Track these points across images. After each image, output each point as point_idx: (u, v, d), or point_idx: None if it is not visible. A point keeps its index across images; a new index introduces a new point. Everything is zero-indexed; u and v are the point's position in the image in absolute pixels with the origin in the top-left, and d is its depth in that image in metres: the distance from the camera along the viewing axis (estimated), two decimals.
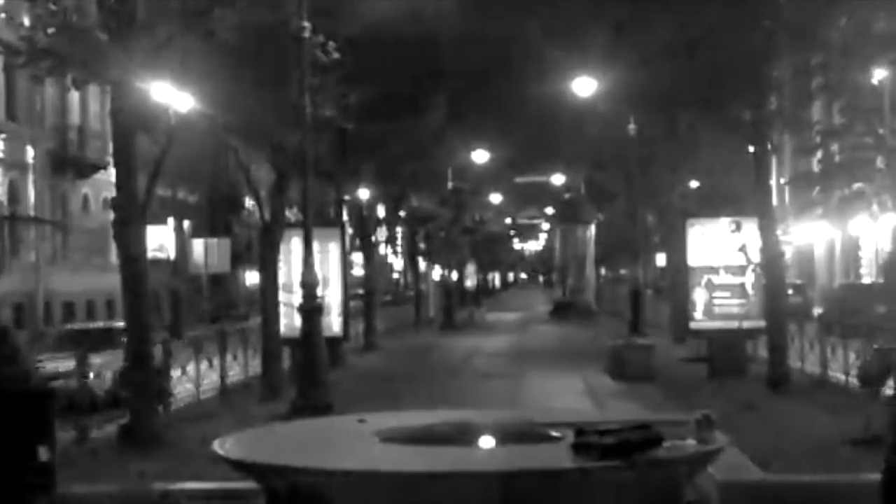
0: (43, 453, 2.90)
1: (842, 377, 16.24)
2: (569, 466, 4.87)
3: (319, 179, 22.25)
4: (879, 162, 30.12)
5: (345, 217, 27.33)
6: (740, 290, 19.45)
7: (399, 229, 53.73)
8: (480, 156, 38.65)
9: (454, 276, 47.74)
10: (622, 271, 55.41)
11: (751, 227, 18.77)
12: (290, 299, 17.66)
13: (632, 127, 24.13)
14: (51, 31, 12.40)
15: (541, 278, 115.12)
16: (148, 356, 12.71)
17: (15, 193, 34.85)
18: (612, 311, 43.84)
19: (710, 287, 19.54)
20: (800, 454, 10.39)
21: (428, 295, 45.69)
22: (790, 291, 28.40)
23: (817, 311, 32.56)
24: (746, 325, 19.09)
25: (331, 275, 19.39)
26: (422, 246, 44.53)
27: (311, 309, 14.93)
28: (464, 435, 5.89)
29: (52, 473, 2.93)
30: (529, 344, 30.53)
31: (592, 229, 50.96)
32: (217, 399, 16.71)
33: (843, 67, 19.02)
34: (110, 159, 15.98)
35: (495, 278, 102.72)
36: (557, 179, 51.69)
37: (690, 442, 5.19)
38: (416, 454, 5.59)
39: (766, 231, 17.95)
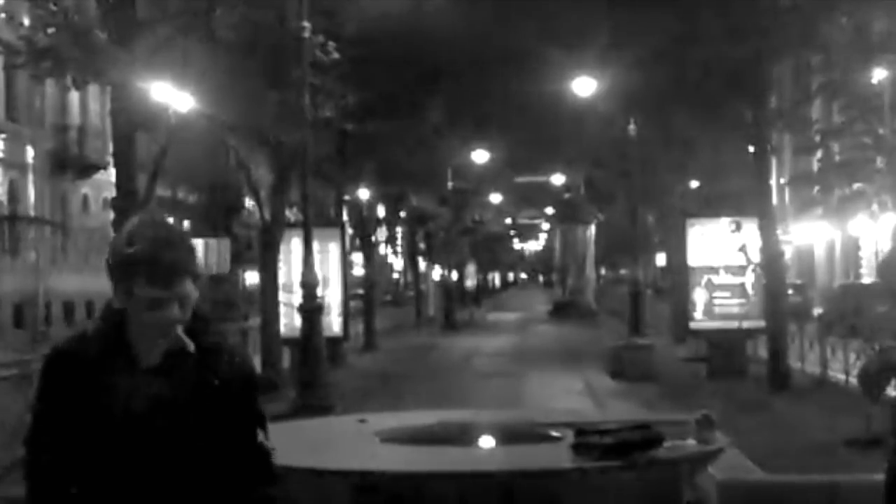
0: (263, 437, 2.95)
1: (842, 377, 16.24)
2: (569, 466, 4.87)
3: (319, 179, 22.25)
4: (879, 162, 30.11)
5: (345, 217, 27.32)
6: (740, 290, 19.45)
7: (399, 229, 53.75)
8: (480, 156, 38.64)
9: (454, 276, 47.75)
10: (622, 271, 55.48)
11: (751, 227, 18.77)
12: (290, 299, 17.66)
13: (631, 127, 24.12)
14: (51, 31, 12.41)
15: (541, 278, 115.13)
16: None
17: (15, 193, 34.87)
18: (612, 311, 43.84)
19: (710, 287, 19.54)
20: (800, 454, 10.40)
21: (428, 295, 45.69)
22: (790, 291, 28.39)
23: (817, 311, 32.55)
24: (746, 325, 19.09)
25: (331, 275, 19.39)
26: (422, 246, 44.52)
27: (311, 309, 14.93)
28: (464, 435, 5.88)
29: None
30: (529, 344, 30.53)
31: (592, 229, 50.98)
32: None
33: (844, 67, 19.02)
34: (110, 159, 15.98)
35: (495, 278, 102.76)
36: (557, 179, 51.70)
37: (690, 442, 5.19)
38: (416, 454, 5.59)
39: (766, 231, 17.96)
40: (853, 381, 14.50)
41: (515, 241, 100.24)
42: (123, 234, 2.73)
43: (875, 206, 33.20)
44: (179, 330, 2.72)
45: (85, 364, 2.68)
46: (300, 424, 8.05)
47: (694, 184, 32.91)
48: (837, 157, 33.42)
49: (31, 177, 35.64)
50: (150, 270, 2.67)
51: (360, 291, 30.71)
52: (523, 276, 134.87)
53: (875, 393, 4.26)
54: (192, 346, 2.72)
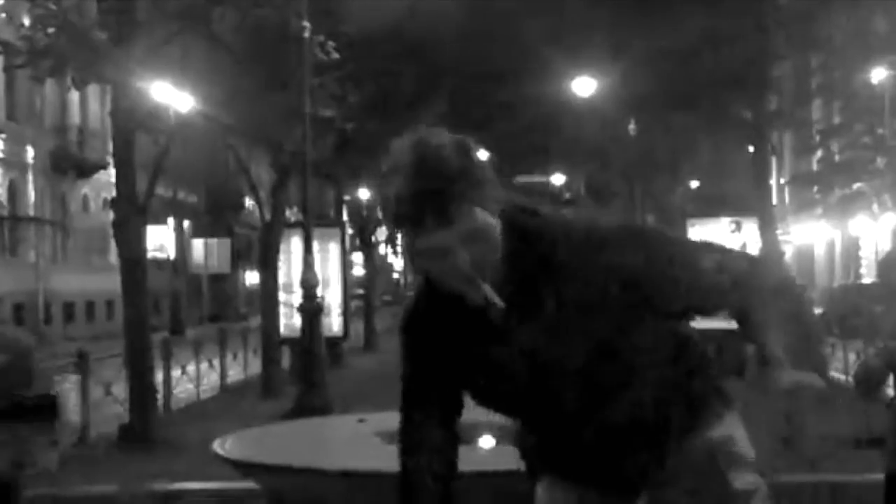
0: None
1: (842, 377, 16.24)
2: None
3: (319, 179, 22.27)
4: (879, 162, 30.14)
5: (345, 217, 27.32)
6: None
7: None
8: (480, 156, 38.66)
9: None
10: None
11: (751, 227, 18.77)
12: (290, 299, 17.66)
13: (631, 127, 24.12)
14: (51, 31, 12.41)
15: None
16: (147, 356, 12.70)
17: (15, 193, 34.88)
18: None
19: None
20: (800, 454, 10.38)
21: None
22: None
23: (817, 311, 32.55)
24: None
25: (331, 275, 19.39)
26: None
27: (311, 309, 14.93)
28: (464, 435, 5.88)
29: None
30: None
31: None
32: (217, 399, 16.71)
33: (844, 67, 19.04)
34: (110, 159, 15.98)
35: None
36: (557, 179, 51.73)
37: None
38: None
39: (766, 231, 17.97)
40: (853, 381, 14.46)
41: None
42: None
43: (875, 206, 33.24)
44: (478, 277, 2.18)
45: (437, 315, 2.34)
46: (300, 424, 8.06)
47: (694, 184, 32.94)
48: (837, 157, 33.45)
49: (31, 177, 35.65)
50: (395, 213, 2.16)
51: (360, 291, 30.70)
52: None
53: (872, 391, 4.26)
54: (499, 303, 2.21)
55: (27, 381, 2.31)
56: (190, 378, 16.42)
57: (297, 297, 15.65)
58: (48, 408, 2.31)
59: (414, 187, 2.14)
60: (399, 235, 2.21)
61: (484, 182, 2.21)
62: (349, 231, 27.60)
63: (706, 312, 2.39)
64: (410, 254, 2.15)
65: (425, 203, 2.11)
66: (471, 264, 2.13)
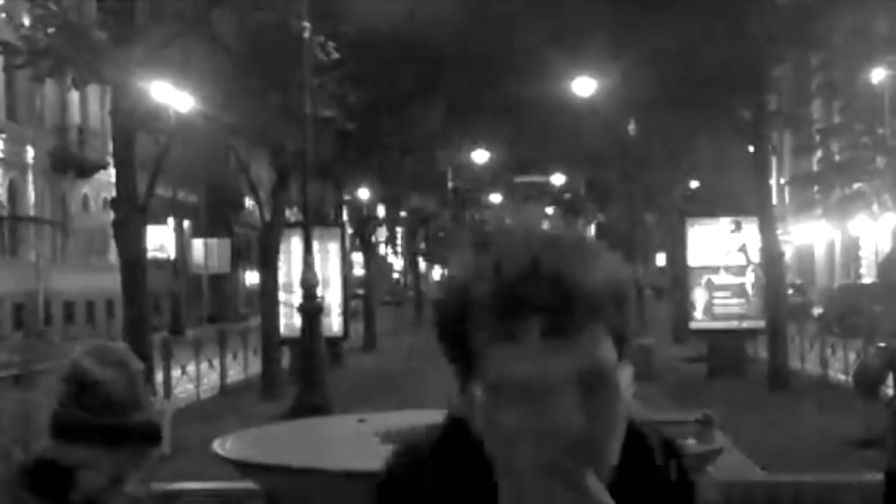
0: None
1: (842, 377, 16.25)
2: None
3: (319, 179, 22.26)
4: (879, 162, 30.13)
5: (345, 217, 27.31)
6: (740, 290, 19.45)
7: (399, 229, 53.78)
8: (480, 156, 38.66)
9: None
10: None
11: (751, 227, 18.77)
12: (290, 299, 17.67)
13: (632, 127, 24.10)
14: (51, 31, 12.42)
15: None
16: (147, 356, 12.70)
17: (15, 193, 34.86)
18: None
19: (710, 287, 19.54)
20: (800, 454, 10.39)
21: (428, 295, 45.71)
22: (790, 291, 28.38)
23: (817, 311, 32.53)
24: (746, 325, 19.09)
25: (331, 275, 19.40)
26: (422, 246, 44.53)
27: (311, 309, 14.93)
28: None
29: None
30: None
31: (592, 229, 51.03)
32: (217, 399, 16.71)
33: (843, 67, 19.02)
34: (110, 159, 15.98)
35: None
36: (557, 179, 51.77)
37: (690, 442, 5.19)
38: None
39: (766, 231, 17.96)
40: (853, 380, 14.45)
41: None
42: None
43: (875, 206, 33.21)
44: None
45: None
46: (300, 424, 8.05)
47: (694, 184, 32.92)
48: (837, 157, 33.43)
49: (31, 177, 35.62)
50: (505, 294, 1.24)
51: (360, 291, 30.70)
52: None
53: (871, 391, 4.26)
54: None
55: (137, 403, 2.33)
56: (190, 378, 16.42)
57: (297, 297, 15.66)
58: (152, 435, 2.35)
59: (544, 267, 1.21)
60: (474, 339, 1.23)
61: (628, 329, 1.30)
62: (349, 231, 27.61)
63: None
64: (485, 381, 1.20)
65: (553, 292, 1.20)
66: (579, 434, 1.20)
